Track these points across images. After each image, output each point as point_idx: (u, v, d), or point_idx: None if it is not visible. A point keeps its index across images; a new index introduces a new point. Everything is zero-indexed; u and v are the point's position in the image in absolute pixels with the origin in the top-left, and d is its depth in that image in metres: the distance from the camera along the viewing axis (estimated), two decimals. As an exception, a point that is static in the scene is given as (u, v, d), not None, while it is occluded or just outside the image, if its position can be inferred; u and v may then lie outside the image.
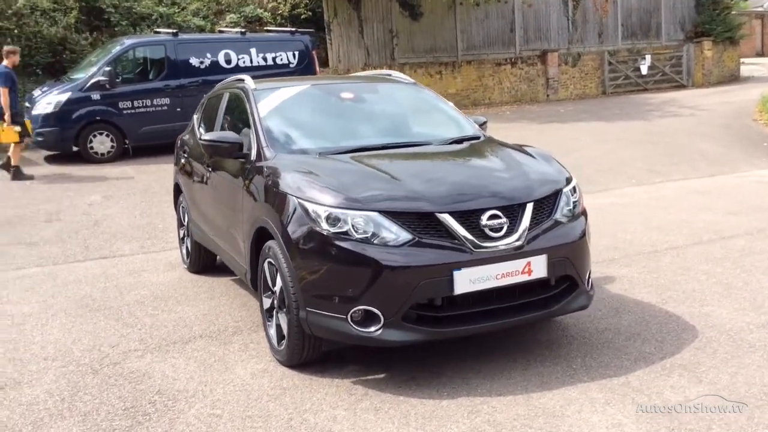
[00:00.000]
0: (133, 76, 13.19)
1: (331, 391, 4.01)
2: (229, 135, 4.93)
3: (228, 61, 13.56)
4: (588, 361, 4.32)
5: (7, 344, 4.95)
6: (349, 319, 3.84)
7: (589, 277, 4.45)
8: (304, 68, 14.25)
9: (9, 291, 6.31)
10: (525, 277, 3.99)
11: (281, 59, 14.06)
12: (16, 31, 14.88)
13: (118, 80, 12.79)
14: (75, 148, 12.80)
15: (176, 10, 16.88)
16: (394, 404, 3.82)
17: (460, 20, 20.71)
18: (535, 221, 4.12)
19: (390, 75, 6.21)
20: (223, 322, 5.22)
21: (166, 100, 13.02)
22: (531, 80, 21.70)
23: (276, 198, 4.25)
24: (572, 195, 4.46)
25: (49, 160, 13.34)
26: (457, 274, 3.81)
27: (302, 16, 18.25)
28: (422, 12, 19.95)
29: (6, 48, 11.58)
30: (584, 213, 4.51)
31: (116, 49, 13.10)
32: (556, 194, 4.32)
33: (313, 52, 14.55)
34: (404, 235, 3.85)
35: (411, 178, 4.18)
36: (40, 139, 12.57)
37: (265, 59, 13.91)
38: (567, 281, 4.24)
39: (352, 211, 3.89)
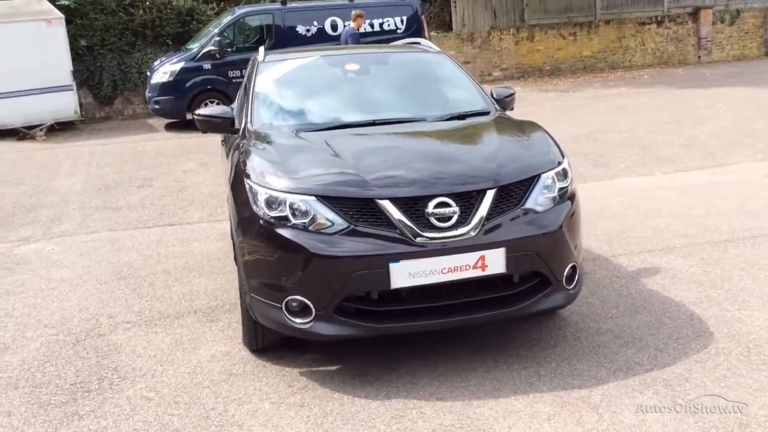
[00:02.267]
0: (242, 45, 13.51)
1: (273, 381, 3.87)
2: (220, 110, 4.86)
3: (334, 28, 13.54)
4: (561, 367, 3.86)
5: (27, 308, 5.24)
6: (283, 309, 3.66)
7: (574, 272, 3.95)
8: (412, 33, 13.91)
9: (66, 255, 6.68)
10: (478, 273, 3.60)
11: (388, 25, 13.84)
12: (147, 2, 15.71)
13: (228, 49, 13.16)
14: (188, 116, 13.38)
15: (300, -22, 17.03)
16: (323, 401, 3.62)
17: (599, -23, 19.36)
18: (497, 210, 3.69)
19: (418, 43, 5.84)
20: (225, 299, 5.21)
21: (272, 69, 13.23)
22: (680, 40, 19.91)
23: (235, 177, 4.14)
24: (558, 180, 3.96)
25: (168, 127, 14.08)
26: (394, 266, 3.50)
27: (425, -21, 17.81)
28: (556, -31, 18.84)
29: (354, 12, 12.58)
30: (572, 200, 3.99)
31: (227, 19, 13.49)
32: (531, 180, 3.84)
33: (423, 17, 14.18)
34: (339, 222, 3.59)
35: (364, 161, 3.89)
36: (157, 106, 13.27)
37: (371, 25, 13.75)
38: (536, 278, 3.79)
39: (291, 195, 3.68)
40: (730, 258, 5.44)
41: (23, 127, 13.40)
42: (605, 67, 19.08)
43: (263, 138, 4.37)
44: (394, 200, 3.58)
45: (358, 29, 12.35)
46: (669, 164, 8.94)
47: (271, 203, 3.71)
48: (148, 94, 13.64)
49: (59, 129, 13.95)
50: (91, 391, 3.86)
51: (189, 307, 5.09)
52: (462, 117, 4.69)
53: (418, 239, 3.54)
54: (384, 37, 13.77)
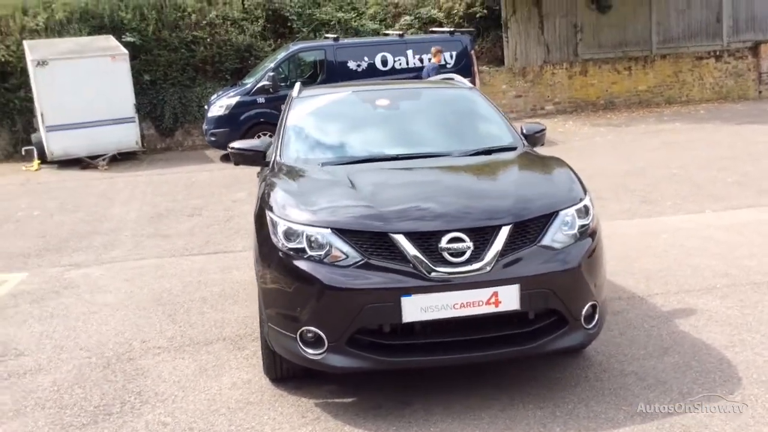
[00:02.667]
0: (296, 80, 13.83)
1: (287, 411, 3.91)
2: (254, 143, 5.01)
3: (384, 63, 13.75)
4: (578, 408, 3.79)
5: (67, 331, 5.44)
6: (298, 339, 3.72)
7: (594, 311, 3.89)
8: (461, 68, 14.00)
9: (113, 280, 6.91)
10: (491, 309, 3.59)
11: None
12: (208, 39, 16.27)
13: (282, 84, 13.49)
14: (242, 148, 13.72)
15: (353, 15, 17.41)
16: (332, 433, 3.65)
17: (656, 11, 19.12)
18: (513, 246, 3.68)
19: (452, 79, 5.91)
20: (254, 327, 5.28)
21: (323, 103, 13.49)
22: (739, 75, 19.43)
23: (259, 208, 4.24)
24: (580, 217, 3.93)
25: (224, 158, 14.44)
26: (406, 300, 3.53)
27: (478, 15, 17.96)
28: (611, 4, 18.70)
29: (433, 48, 13.44)
30: (593, 237, 3.95)
31: (282, 54, 13.86)
32: (550, 216, 3.82)
33: (472, 52, 14.27)
34: (354, 255, 3.64)
35: (382, 195, 3.95)
36: (213, 139, 13.66)
37: (421, 60, 13.90)
38: (553, 316, 3.75)
39: (308, 227, 3.76)
40: (769, 301, 5.27)
41: (87, 157, 13.97)
42: (661, 101, 18.75)
43: (289, 171, 4.49)
44: (408, 234, 3.61)
45: (438, 63, 13.16)
46: (719, 202, 8.70)
47: (289, 235, 3.79)
48: (204, 127, 14.07)
49: (120, 159, 14.48)
50: (112, 414, 3.98)
51: (219, 334, 5.20)
52: (488, 152, 4.71)
53: (431, 274, 3.55)
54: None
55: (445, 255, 3.58)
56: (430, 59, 13.73)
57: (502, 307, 3.59)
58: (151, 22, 16.03)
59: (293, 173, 4.44)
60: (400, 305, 3.52)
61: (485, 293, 3.57)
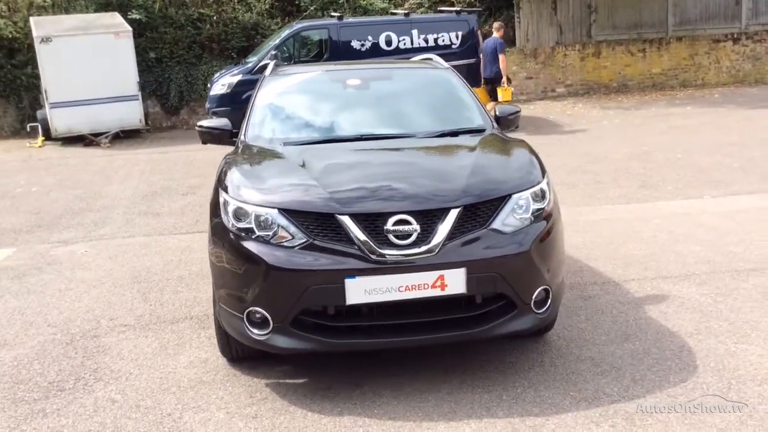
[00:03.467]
0: (300, 59, 13.75)
1: (237, 391, 3.91)
2: (222, 122, 4.96)
3: (389, 43, 13.61)
4: (526, 393, 3.75)
5: (40, 307, 5.47)
6: (245, 320, 3.70)
7: (547, 296, 3.83)
8: (467, 49, 13.87)
9: (96, 257, 6.94)
10: (437, 292, 3.54)
11: (443, 40, 13.81)
12: (215, 17, 16.22)
13: (285, 63, 13.40)
14: (244, 127, 13.71)
15: (363, -7, 17.28)
16: (276, 414, 3.63)
17: (672, -8, 18.76)
18: (461, 229, 3.63)
19: (431, 59, 5.82)
20: (223, 307, 5.30)
21: (326, 83, 13.40)
22: (757, 59, 19.02)
23: (215, 188, 4.22)
24: (535, 201, 3.86)
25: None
26: (349, 282, 3.49)
27: (489, -6, 17.72)
28: (626, -16, 18.37)
29: (496, 23, 14.04)
30: (548, 221, 3.88)
31: (285, 33, 13.77)
32: (502, 200, 3.76)
33: (478, 32, 14.07)
34: (299, 236, 3.61)
35: (332, 176, 3.90)
36: (214, 117, 13.63)
37: (426, 41, 13.75)
38: (502, 300, 3.70)
39: (256, 207, 3.73)
40: (747, 288, 5.17)
41: (90, 134, 14.04)
42: (676, 84, 18.43)
43: (249, 151, 4.46)
44: (354, 216, 3.57)
45: (501, 38, 13.59)
46: (720, 187, 8.55)
47: (239, 215, 3.77)
48: (207, 105, 14.04)
49: (123, 137, 14.54)
50: (64, 390, 4.00)
51: (187, 313, 5.21)
52: (454, 134, 4.64)
53: (376, 256, 3.51)
54: (438, 53, 13.70)
55: (391, 237, 3.54)
56: (436, 38, 13.63)
57: (449, 291, 3.55)
58: (157, -1, 16.03)
59: (252, 153, 4.41)
60: (344, 287, 3.49)
61: (431, 276, 3.52)
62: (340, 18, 13.76)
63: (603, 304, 5.00)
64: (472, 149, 4.26)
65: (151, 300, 5.55)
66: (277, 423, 3.54)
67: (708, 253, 6.02)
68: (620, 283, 5.45)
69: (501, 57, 13.34)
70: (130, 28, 14.23)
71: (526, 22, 18.20)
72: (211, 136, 4.96)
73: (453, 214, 3.60)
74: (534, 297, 3.74)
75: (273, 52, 13.31)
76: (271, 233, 3.65)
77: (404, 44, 13.63)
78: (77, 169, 11.95)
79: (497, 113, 5.09)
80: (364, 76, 5.31)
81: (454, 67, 13.43)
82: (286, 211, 3.66)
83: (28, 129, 14.91)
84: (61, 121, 13.90)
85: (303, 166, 4.02)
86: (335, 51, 13.46)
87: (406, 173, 3.96)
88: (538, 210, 3.86)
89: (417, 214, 3.58)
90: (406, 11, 14.80)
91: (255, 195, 3.79)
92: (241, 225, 3.74)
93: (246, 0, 16.70)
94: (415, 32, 13.72)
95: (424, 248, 3.53)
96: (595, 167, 10.27)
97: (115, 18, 14.70)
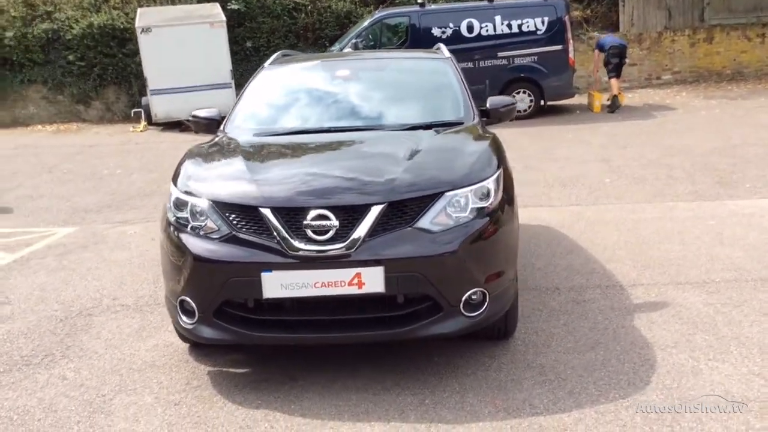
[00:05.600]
0: (380, 47, 13.78)
1: (178, 376, 4.02)
2: (210, 112, 5.07)
3: (470, 30, 13.37)
4: (451, 399, 3.62)
5: (62, 284, 5.83)
6: (178, 308, 3.80)
7: (484, 299, 3.66)
8: (553, 35, 13.37)
9: (142, 238, 7.27)
10: (354, 290, 3.48)
11: (527, 26, 13.39)
12: (309, 6, 16.54)
13: (363, 50, 13.50)
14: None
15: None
16: (197, 402, 3.71)
17: (800, -30, 17.18)
18: (385, 227, 3.53)
19: (438, 48, 5.67)
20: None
21: (406, 70, 13.34)
22: None
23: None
24: (479, 200, 3.69)
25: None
26: (266, 275, 3.49)
27: (591, -23, 16.94)
28: (746, -37, 17.01)
29: None
30: (491, 220, 3.70)
31: (367, 21, 13.83)
32: (432, 197, 3.62)
33: (566, 18, 13.51)
34: (224, 228, 3.65)
35: (269, 169, 3.92)
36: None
37: (509, 26, 13.38)
38: (427, 300, 3.57)
39: (191, 197, 3.81)
40: (760, 301, 4.72)
41: (186, 120, 14.75)
42: (800, 72, 16.92)
43: (215, 141, 4.54)
44: (275, 209, 3.56)
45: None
46: (807, 188, 7.82)
47: (179, 205, 3.86)
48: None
49: (218, 123, 15.16)
50: (29, 365, 4.27)
51: (183, 297, 5.38)
52: (428, 127, 4.51)
53: (292, 251, 3.49)
54: (522, 39, 13.36)
55: (308, 232, 3.50)
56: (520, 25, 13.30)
57: (366, 289, 3.47)
58: (256, -12, 16.54)
59: (215, 144, 4.49)
60: (261, 280, 3.50)
61: (347, 274, 3.46)
62: (422, 5, 13.65)
63: (592, 310, 4.72)
64: (428, 144, 4.12)
65: (159, 282, 5.79)
66: (193, 411, 3.62)
67: (744, 260, 5.54)
68: (626, 288, 5.12)
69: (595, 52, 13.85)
70: (224, 19, 14.79)
71: (631, 5, 17.28)
72: (199, 126, 5.07)
73: (375, 211, 3.51)
74: (463, 299, 3.58)
75: (354, 41, 13.42)
76: (202, 224, 3.71)
77: (486, 31, 13.36)
78: (164, 153, 12.60)
79: (488, 105, 4.89)
80: (356, 68, 5.26)
81: (540, 54, 13.25)
82: (215, 203, 3.71)
83: (132, 114, 15.87)
84: (160, 107, 14.69)
85: (248, 158, 4.06)
86: (416, 38, 13.38)
87: (341, 168, 3.90)
88: (480, 209, 3.69)
89: (337, 210, 3.52)
90: (492, -3, 14.44)
91: (193, 186, 3.87)
92: (180, 215, 3.83)
93: (342, -12, 16.89)
94: (498, 18, 13.40)
95: (340, 245, 3.48)
96: (674, 160, 9.66)
97: (214, 8, 15.32)
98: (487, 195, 3.74)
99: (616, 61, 13.86)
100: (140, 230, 7.61)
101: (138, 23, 14.60)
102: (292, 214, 3.55)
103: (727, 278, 5.17)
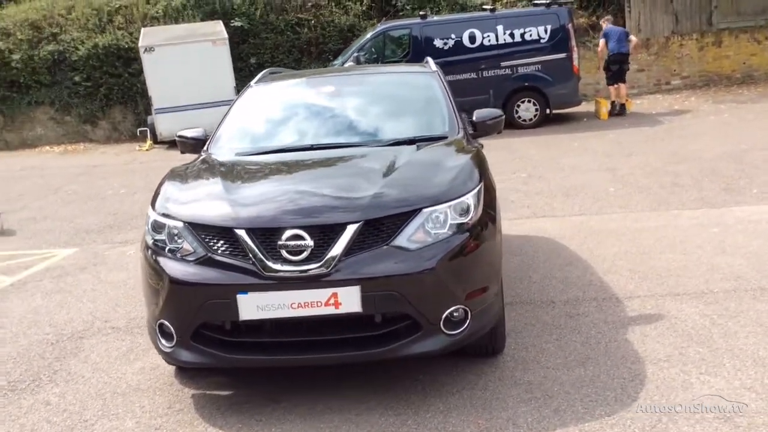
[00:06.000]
0: (383, 60, 13.77)
1: (161, 400, 3.98)
2: (194, 132, 5.05)
3: (472, 40, 13.33)
4: (434, 419, 3.55)
5: (57, 307, 5.77)
6: (157, 331, 3.77)
7: (466, 316, 3.59)
8: (557, 43, 13.31)
9: (137, 259, 7.30)
10: (330, 310, 3.42)
11: (530, 35, 13.33)
12: (312, 21, 16.59)
13: (369, 64, 13.49)
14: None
15: (462, -9, 16.98)
16: (178, 426, 3.68)
17: (809, -29, 17.00)
18: (361, 245, 3.48)
19: (426, 62, 5.63)
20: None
21: (407, 82, 13.29)
22: None
23: None
24: (457, 216, 3.63)
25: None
26: (241, 297, 3.45)
27: (596, -17, 16.85)
28: (752, -34, 16.87)
29: (608, 16, 14.85)
30: (471, 236, 3.64)
31: (369, 34, 13.84)
32: (409, 215, 3.56)
33: (569, 26, 13.43)
34: (199, 250, 3.61)
35: (244, 189, 3.89)
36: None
37: (512, 36, 13.33)
38: (407, 320, 3.51)
39: (168, 220, 3.78)
40: (758, 311, 4.61)
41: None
42: (810, 74, 16.71)
43: (195, 162, 4.52)
44: (250, 231, 3.52)
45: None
46: (814, 196, 7.68)
47: (156, 227, 3.83)
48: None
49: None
50: (15, 390, 4.25)
51: (175, 318, 5.35)
52: (411, 142, 4.46)
53: (267, 272, 3.45)
54: (525, 48, 13.30)
55: (283, 253, 3.46)
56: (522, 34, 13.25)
57: (343, 309, 3.42)
58: (259, 6, 16.59)
59: (195, 165, 4.47)
60: (237, 302, 3.45)
61: (323, 294, 3.41)
62: (423, 17, 13.63)
63: (585, 324, 4.64)
64: (408, 160, 4.07)
65: (153, 303, 5.76)
66: (172, 436, 3.57)
67: (745, 269, 5.43)
68: (622, 300, 5.02)
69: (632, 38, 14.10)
70: (227, 36, 14.86)
71: (638, 11, 17.17)
72: (185, 146, 5.05)
73: (350, 230, 3.46)
74: (443, 317, 3.52)
75: (356, 54, 13.43)
76: (179, 247, 3.68)
77: (488, 41, 13.32)
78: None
79: (474, 118, 4.83)
80: (340, 84, 5.23)
81: (544, 62, 13.19)
82: (191, 225, 3.68)
83: (138, 133, 15.95)
84: (164, 125, 14.75)
85: (225, 179, 4.02)
86: (418, 50, 13.37)
87: (317, 186, 3.85)
88: (459, 225, 3.63)
89: (312, 229, 3.47)
90: (492, 7, 14.39)
91: (170, 208, 3.85)
92: (158, 237, 3.80)
93: (343, 3, 16.92)
94: (500, 28, 13.36)
95: (315, 265, 3.43)
96: (679, 168, 9.54)
97: (217, 26, 15.40)
98: (467, 210, 3.68)
99: (615, 68, 13.81)
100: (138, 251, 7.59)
101: (141, 42, 14.70)
102: (267, 235, 3.51)
103: (726, 288, 5.07)
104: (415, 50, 13.41)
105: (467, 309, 3.59)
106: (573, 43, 13.42)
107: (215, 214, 3.67)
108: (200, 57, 14.48)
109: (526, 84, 13.55)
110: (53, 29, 17.07)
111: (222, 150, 4.70)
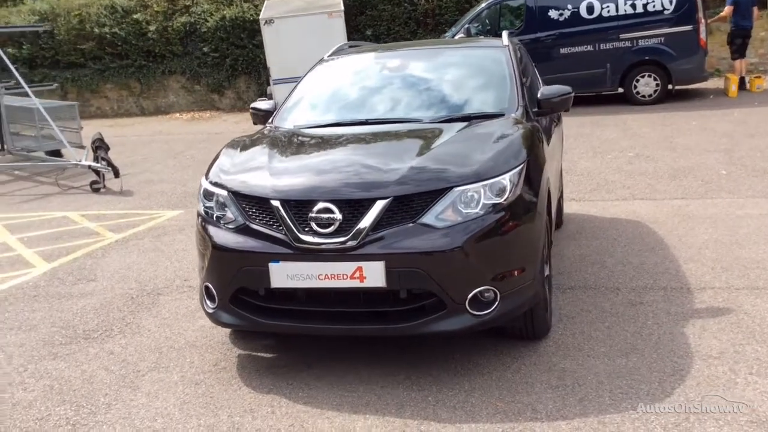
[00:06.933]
0: (496, 32, 13.47)
1: (210, 357, 4.22)
2: (265, 104, 5.22)
3: (590, 11, 12.77)
4: (456, 397, 3.56)
5: (146, 264, 6.18)
6: (204, 293, 3.98)
7: (496, 297, 3.55)
8: (682, 15, 12.50)
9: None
10: (356, 283, 3.49)
11: (653, 6, 12.57)
12: (430, -8, 16.47)
13: (481, 36, 13.26)
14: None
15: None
16: (215, 384, 3.89)
17: None
18: (389, 221, 3.51)
19: (501, 37, 5.50)
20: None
21: (519, 55, 12.94)
22: None
23: None
24: (492, 195, 3.58)
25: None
26: (273, 266, 3.58)
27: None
28: None
29: None
30: (506, 216, 3.58)
31: (482, 5, 13.58)
32: (440, 192, 3.54)
33: (698, -5, 12.56)
34: (239, 219, 3.77)
35: (287, 162, 4.00)
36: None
37: (633, 6, 12.63)
38: (432, 297, 3.51)
39: (216, 188, 3.96)
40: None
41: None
42: None
43: (257, 134, 4.68)
44: (284, 202, 3.64)
45: None
46: None
47: (206, 195, 4.04)
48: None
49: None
50: (88, 339, 4.63)
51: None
52: (466, 118, 4.41)
53: (298, 243, 3.56)
54: (648, 19, 12.60)
55: (313, 225, 3.55)
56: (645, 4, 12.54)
57: (367, 283, 3.48)
58: (378, -23, 16.67)
59: (253, 137, 4.62)
60: (269, 270, 3.59)
61: (349, 267, 3.48)
62: (539, -14, 13.20)
63: (644, 313, 4.45)
64: (452, 137, 4.03)
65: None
66: (209, 392, 3.79)
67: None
68: (693, 291, 4.77)
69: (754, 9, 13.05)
70: (342, 8, 15.04)
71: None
72: (257, 117, 5.23)
73: (379, 205, 3.50)
74: (469, 297, 3.49)
75: (467, 26, 13.24)
76: (223, 214, 3.86)
77: (608, 12, 12.72)
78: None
79: (540, 95, 4.69)
80: (407, 58, 5.21)
81: (667, 35, 12.45)
82: (234, 194, 3.84)
83: (257, 103, 16.53)
84: (281, 96, 15.11)
85: (273, 151, 4.15)
86: (531, 22, 13.02)
87: (353, 161, 3.90)
88: (493, 205, 3.57)
89: (342, 203, 3.54)
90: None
91: (218, 177, 4.03)
92: (207, 204, 4.00)
93: (464, -28, 16.65)
94: (620, -2, 12.69)
95: (342, 238, 3.50)
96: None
97: (336, -2, 15.61)
98: (504, 190, 3.61)
99: (739, 42, 12.87)
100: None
101: (262, 15, 15.18)
102: (299, 207, 3.62)
103: (813, 284, 4.69)
104: (528, 22, 13.05)
105: (496, 290, 3.54)
106: (700, 14, 12.55)
107: (255, 184, 3.81)
108: (315, 29, 14.75)
109: (647, 57, 12.85)
110: (186, 1, 17.95)
111: (284, 123, 4.85)
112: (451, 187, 3.55)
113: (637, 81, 13.00)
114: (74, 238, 7.29)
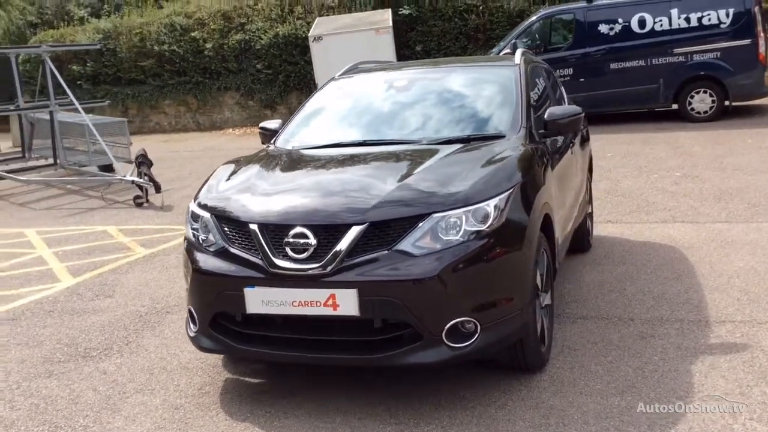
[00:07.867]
0: (549, 47, 13.18)
1: (197, 381, 4.17)
2: (272, 123, 5.19)
3: (642, 25, 12.39)
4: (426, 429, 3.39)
5: (165, 282, 6.25)
6: (188, 316, 3.95)
7: (476, 329, 3.39)
8: (740, 28, 12.00)
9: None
10: (329, 311, 3.39)
11: (709, 20, 12.12)
12: (481, 7, 16.31)
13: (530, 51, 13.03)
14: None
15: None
16: (196, 409, 3.83)
17: None
18: (365, 248, 3.40)
19: (511, 54, 5.34)
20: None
21: (569, 71, 12.68)
22: None
23: None
24: (474, 222, 3.43)
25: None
26: (249, 291, 3.51)
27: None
28: None
29: None
30: (489, 244, 3.42)
31: (530, 20, 13.35)
32: (418, 219, 3.41)
33: (755, 10, 12.02)
34: (219, 242, 3.72)
35: (270, 184, 3.92)
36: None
37: (688, 20, 12.21)
38: (408, 327, 3.38)
39: (200, 210, 3.93)
40: None
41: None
42: None
43: (253, 155, 4.64)
44: (262, 225, 3.57)
45: None
46: None
47: (193, 217, 4.01)
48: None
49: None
50: (86, 357, 4.66)
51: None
52: (466, 140, 4.27)
53: (272, 268, 3.48)
54: (703, 34, 12.14)
55: (288, 250, 3.47)
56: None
57: (341, 311, 3.37)
58: (428, -8, 16.64)
59: (250, 158, 4.58)
60: (244, 295, 3.53)
61: (322, 294, 3.38)
62: (589, 1, 12.89)
63: (653, 347, 4.20)
64: (439, 161, 3.90)
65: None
66: (186, 417, 3.74)
67: None
68: (711, 324, 4.49)
69: None
70: (391, 24, 15.06)
71: None
72: (266, 137, 5.21)
73: (354, 231, 3.39)
74: (447, 328, 3.34)
75: (513, 41, 13.04)
76: (206, 237, 3.82)
77: (660, 26, 12.33)
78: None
79: (546, 117, 4.51)
80: (415, 78, 5.11)
81: (724, 49, 11.99)
82: (216, 216, 3.80)
83: (307, 119, 16.67)
84: (329, 111, 15.27)
85: (261, 173, 4.10)
86: (581, 37, 12.75)
87: (333, 185, 3.81)
88: (475, 232, 3.42)
89: (317, 228, 3.45)
90: (666, -11, 13.25)
91: (207, 199, 3.99)
92: (194, 227, 3.97)
93: (514, -13, 16.45)
94: (674, 12, 12.30)
95: (314, 264, 3.40)
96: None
97: (384, 14, 15.66)
98: (485, 217, 3.45)
99: None
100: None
101: (311, 32, 15.33)
102: (276, 231, 3.54)
103: None
104: (578, 37, 12.77)
105: (477, 322, 3.38)
106: (759, 28, 12.02)
107: (236, 207, 3.77)
108: (363, 45, 14.78)
109: (702, 73, 12.38)
110: (241, 19, 18.31)
111: (285, 143, 4.80)
112: (430, 213, 3.42)
113: (692, 97, 12.54)
114: (106, 253, 7.42)
